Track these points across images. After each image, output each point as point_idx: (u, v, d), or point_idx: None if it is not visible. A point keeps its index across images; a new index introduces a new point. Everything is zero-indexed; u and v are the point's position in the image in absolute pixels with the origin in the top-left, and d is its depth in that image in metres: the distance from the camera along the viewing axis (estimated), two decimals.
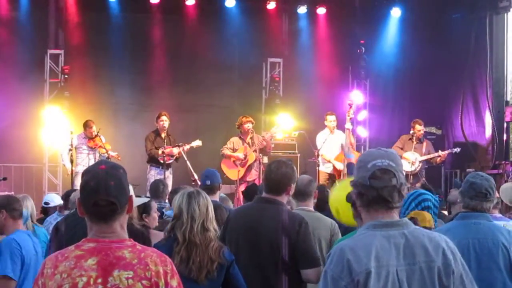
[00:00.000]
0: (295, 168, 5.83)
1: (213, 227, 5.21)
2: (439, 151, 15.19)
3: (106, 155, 14.18)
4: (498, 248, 5.10)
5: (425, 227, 6.35)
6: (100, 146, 14.38)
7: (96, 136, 14.48)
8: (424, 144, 15.13)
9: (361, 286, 3.17)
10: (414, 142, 14.99)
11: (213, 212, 5.26)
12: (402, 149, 14.95)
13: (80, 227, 5.37)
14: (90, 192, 3.14)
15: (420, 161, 14.83)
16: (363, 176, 3.33)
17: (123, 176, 3.21)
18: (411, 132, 15.14)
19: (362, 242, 3.28)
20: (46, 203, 10.16)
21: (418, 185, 12.93)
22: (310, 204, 6.50)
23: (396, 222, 3.33)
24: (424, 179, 14.67)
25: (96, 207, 3.13)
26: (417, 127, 15.11)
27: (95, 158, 14.48)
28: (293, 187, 5.74)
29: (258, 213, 5.62)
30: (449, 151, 15.17)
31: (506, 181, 13.59)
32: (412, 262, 3.25)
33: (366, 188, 3.33)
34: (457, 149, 15.21)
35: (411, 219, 6.30)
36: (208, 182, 7.88)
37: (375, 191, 3.31)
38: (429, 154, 15.06)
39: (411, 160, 14.74)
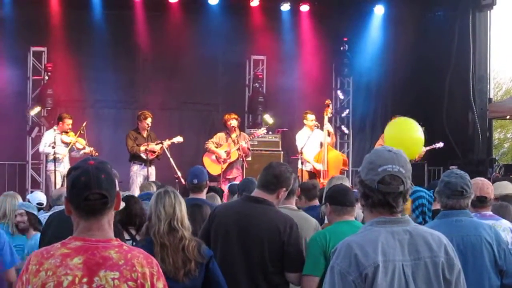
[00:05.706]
0: (295, 178, 5.79)
1: (186, 226, 5.18)
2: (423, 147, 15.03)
3: (81, 150, 13.97)
4: (481, 244, 5.13)
5: None
6: (75, 142, 14.13)
7: (70, 130, 14.22)
8: None
9: (369, 280, 3.23)
10: None
11: (183, 212, 5.22)
12: None
13: (68, 225, 5.37)
14: (81, 187, 3.12)
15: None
16: (372, 179, 3.38)
17: (111, 170, 3.22)
18: None
19: (368, 238, 3.34)
20: (40, 204, 9.84)
21: None
22: (293, 202, 6.36)
23: (398, 219, 3.41)
24: None
25: (88, 202, 3.12)
26: None
27: (69, 155, 14.23)
28: (285, 193, 5.64)
29: (249, 213, 5.52)
30: (433, 146, 15.03)
31: (489, 178, 13.57)
32: (417, 257, 3.33)
33: (372, 191, 3.39)
34: (440, 144, 15.11)
35: None
36: (195, 181, 7.79)
37: (381, 195, 3.38)
38: None
39: None
